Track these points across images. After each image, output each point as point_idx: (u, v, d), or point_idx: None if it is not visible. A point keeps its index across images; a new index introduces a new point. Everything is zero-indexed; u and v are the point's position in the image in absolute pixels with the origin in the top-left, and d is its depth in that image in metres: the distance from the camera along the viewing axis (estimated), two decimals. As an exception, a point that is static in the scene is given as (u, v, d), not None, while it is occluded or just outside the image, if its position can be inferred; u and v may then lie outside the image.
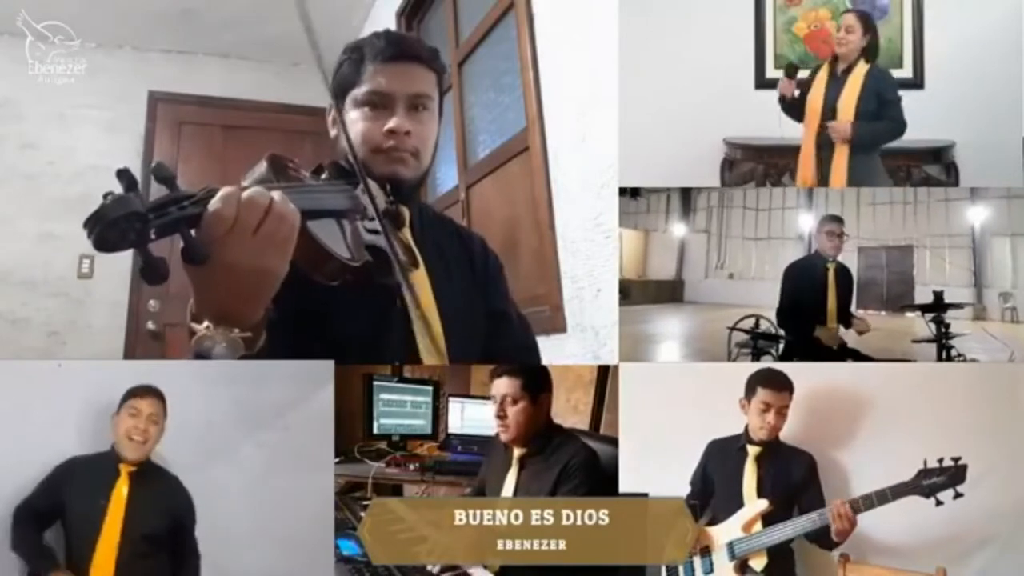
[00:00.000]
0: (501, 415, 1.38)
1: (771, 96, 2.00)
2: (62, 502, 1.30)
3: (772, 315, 2.22)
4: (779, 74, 2.15)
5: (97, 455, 1.33)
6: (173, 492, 1.34)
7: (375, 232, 1.08)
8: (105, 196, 0.74)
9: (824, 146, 1.88)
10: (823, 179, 1.87)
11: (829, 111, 1.88)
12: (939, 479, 1.27)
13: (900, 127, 1.88)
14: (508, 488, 1.39)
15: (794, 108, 1.95)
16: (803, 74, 1.97)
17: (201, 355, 0.87)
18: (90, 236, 0.73)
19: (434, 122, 1.31)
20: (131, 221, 0.74)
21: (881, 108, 1.88)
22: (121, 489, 1.30)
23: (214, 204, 0.79)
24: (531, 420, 1.37)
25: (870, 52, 1.90)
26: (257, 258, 0.83)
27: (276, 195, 0.84)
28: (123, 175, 0.75)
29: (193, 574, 1.34)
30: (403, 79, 1.25)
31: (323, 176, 1.20)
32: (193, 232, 0.79)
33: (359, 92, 1.25)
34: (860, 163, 1.86)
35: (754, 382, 1.44)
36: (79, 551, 1.27)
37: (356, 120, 1.25)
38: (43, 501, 1.30)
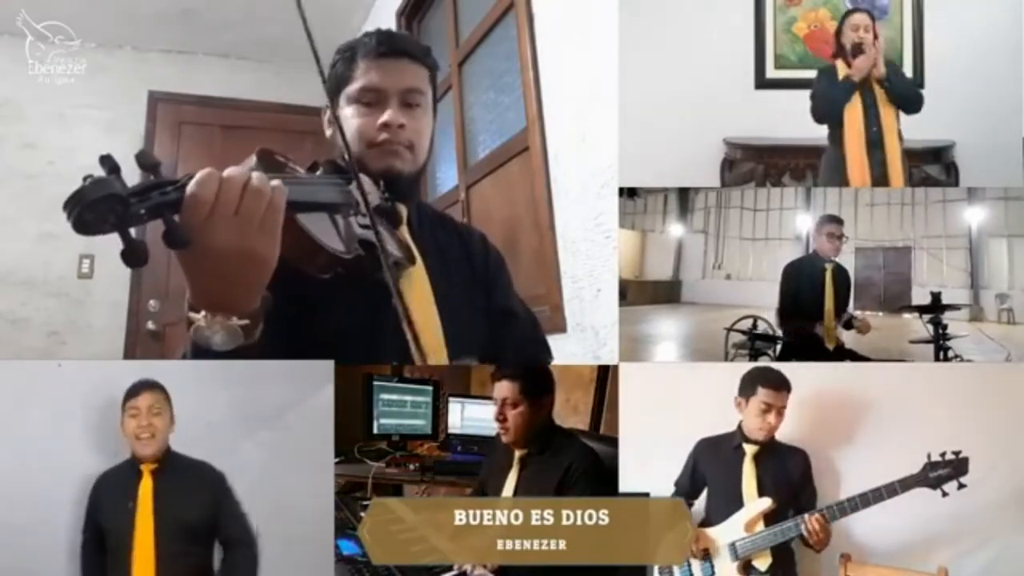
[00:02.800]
0: (501, 418, 1.38)
1: (771, 96, 2.00)
2: (98, 523, 1.29)
3: (769, 316, 2.22)
4: (779, 74, 2.15)
5: (120, 465, 1.32)
6: (203, 478, 1.32)
7: (368, 227, 1.08)
8: (85, 179, 0.74)
9: (875, 145, 1.87)
10: (878, 179, 1.86)
11: (873, 114, 1.87)
12: (944, 471, 1.31)
13: (921, 99, 1.91)
14: (509, 488, 1.39)
15: (820, 110, 1.93)
16: (807, 73, 1.96)
17: (199, 344, 0.87)
18: (69, 218, 0.73)
19: (428, 117, 1.32)
20: (111, 203, 0.74)
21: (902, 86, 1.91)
22: (145, 487, 1.28)
23: (191, 188, 0.79)
24: (531, 422, 1.37)
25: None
26: (241, 239, 0.82)
27: (254, 174, 0.84)
28: (105, 160, 0.76)
29: (251, 563, 1.32)
30: (395, 74, 1.26)
31: (318, 173, 1.20)
32: (176, 217, 0.79)
33: (352, 89, 1.26)
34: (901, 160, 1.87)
35: (754, 381, 1.43)
36: (119, 559, 1.26)
37: (350, 116, 1.26)
38: (87, 531, 1.29)
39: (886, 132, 1.86)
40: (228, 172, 0.82)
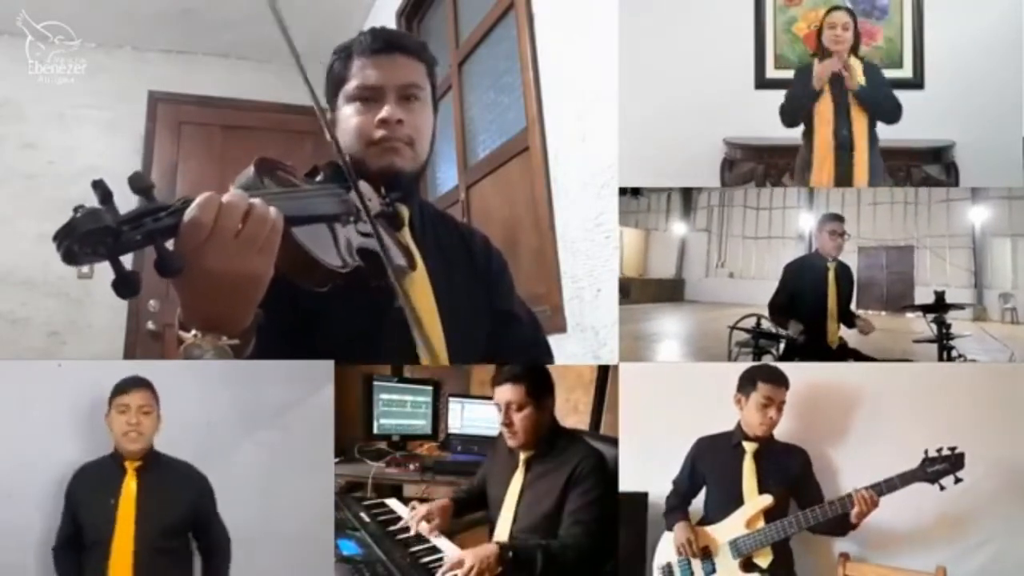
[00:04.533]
0: (508, 423, 1.37)
1: (771, 96, 1.99)
2: (77, 517, 1.29)
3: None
4: (779, 74, 2.15)
5: (102, 459, 1.32)
6: (187, 479, 1.33)
7: (369, 235, 1.07)
8: (76, 209, 0.72)
9: (845, 146, 1.86)
10: (843, 179, 1.86)
11: (843, 111, 1.87)
12: (942, 466, 1.33)
13: (899, 108, 1.89)
14: (514, 489, 1.38)
15: (788, 113, 1.94)
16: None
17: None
18: (59, 250, 0.72)
19: (427, 112, 1.30)
20: (101, 235, 0.72)
21: (880, 92, 1.89)
22: (129, 485, 1.29)
23: (191, 211, 0.78)
24: (537, 424, 1.37)
25: (855, 47, 1.90)
26: (240, 262, 0.81)
27: (255, 200, 0.83)
28: (97, 186, 0.74)
29: (224, 558, 1.33)
30: (391, 70, 1.25)
31: (318, 178, 1.19)
32: (171, 244, 0.78)
33: (349, 87, 1.26)
34: (872, 162, 1.86)
35: (754, 377, 1.43)
36: (96, 556, 1.26)
37: (349, 115, 1.25)
38: (67, 525, 1.29)
39: (856, 135, 1.86)
40: (228, 197, 0.81)
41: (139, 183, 0.78)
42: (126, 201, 0.77)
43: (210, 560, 1.33)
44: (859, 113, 1.87)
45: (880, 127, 1.89)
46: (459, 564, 1.21)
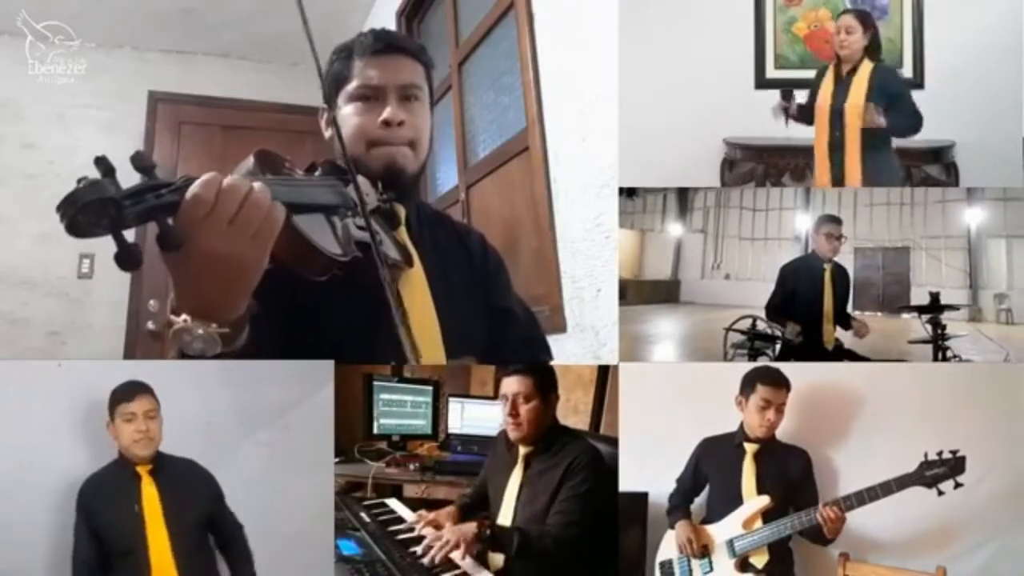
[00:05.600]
0: (514, 414, 1.37)
1: (771, 96, 2.00)
2: (96, 532, 1.26)
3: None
4: (779, 74, 2.15)
5: (107, 468, 1.31)
6: (196, 475, 1.33)
7: (365, 228, 1.08)
8: (79, 181, 0.73)
9: (836, 148, 1.87)
10: (837, 180, 1.86)
11: (836, 113, 1.87)
12: (940, 470, 1.31)
13: (917, 119, 1.87)
14: (513, 486, 1.39)
15: (803, 112, 1.94)
16: (807, 73, 1.97)
17: (180, 349, 0.86)
18: (63, 220, 0.73)
19: (426, 113, 1.32)
20: (105, 206, 0.73)
21: (891, 103, 1.86)
22: (149, 490, 1.28)
23: (194, 188, 0.79)
24: (542, 418, 1.38)
25: (873, 50, 1.89)
26: (232, 246, 0.82)
27: (256, 185, 0.83)
28: (100, 162, 0.75)
29: (243, 546, 1.33)
30: (392, 70, 1.26)
31: (316, 173, 1.20)
32: (170, 220, 0.79)
33: (350, 87, 1.26)
34: (876, 161, 1.86)
35: (753, 379, 1.44)
36: (130, 565, 1.24)
37: (350, 115, 1.26)
38: (86, 544, 1.26)
39: (848, 137, 1.86)
40: (229, 180, 0.81)
41: (141, 162, 0.79)
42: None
43: (230, 550, 1.33)
44: (853, 113, 1.87)
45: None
46: (439, 538, 1.26)
